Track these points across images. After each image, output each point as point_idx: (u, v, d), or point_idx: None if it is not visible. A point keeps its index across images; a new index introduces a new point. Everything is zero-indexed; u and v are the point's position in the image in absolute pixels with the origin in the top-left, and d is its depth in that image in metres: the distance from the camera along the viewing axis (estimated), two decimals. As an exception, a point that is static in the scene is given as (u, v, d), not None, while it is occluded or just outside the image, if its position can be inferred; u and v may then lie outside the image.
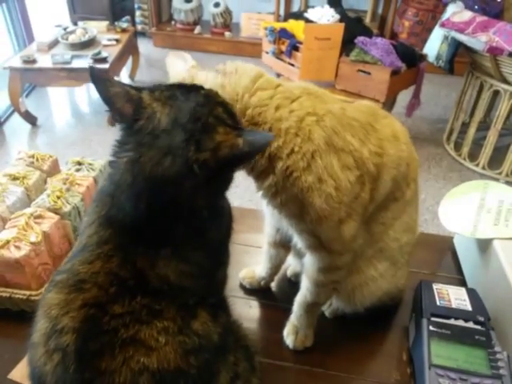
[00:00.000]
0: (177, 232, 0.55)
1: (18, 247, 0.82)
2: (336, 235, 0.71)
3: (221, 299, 0.63)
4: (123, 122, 0.56)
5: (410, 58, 2.70)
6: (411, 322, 0.89)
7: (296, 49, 2.74)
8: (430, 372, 0.73)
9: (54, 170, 1.10)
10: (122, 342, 0.48)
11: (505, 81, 2.58)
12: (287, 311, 0.88)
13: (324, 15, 2.82)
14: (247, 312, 0.95)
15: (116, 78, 3.15)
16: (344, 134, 0.68)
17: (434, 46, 2.90)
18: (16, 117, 3.20)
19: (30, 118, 3.20)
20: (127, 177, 0.53)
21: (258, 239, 1.05)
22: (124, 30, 3.59)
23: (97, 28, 3.44)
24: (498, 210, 0.98)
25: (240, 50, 4.44)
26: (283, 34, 2.82)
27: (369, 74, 2.62)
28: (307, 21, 2.85)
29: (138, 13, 4.65)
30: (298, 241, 0.78)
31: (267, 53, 2.98)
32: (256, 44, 3.94)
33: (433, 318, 0.81)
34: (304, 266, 0.80)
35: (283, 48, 2.84)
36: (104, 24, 3.62)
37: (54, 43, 3.27)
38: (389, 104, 2.87)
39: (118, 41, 3.36)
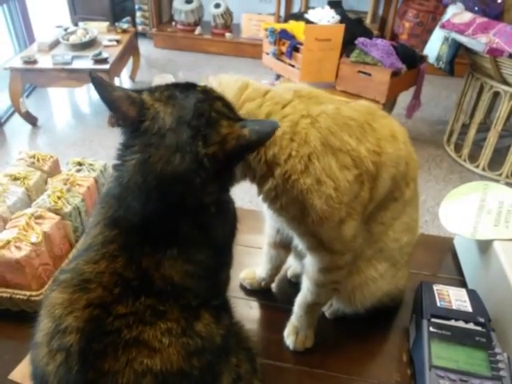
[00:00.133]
0: (184, 230, 0.55)
1: (18, 247, 0.82)
2: (337, 235, 0.72)
3: (223, 301, 0.63)
4: (127, 125, 0.56)
5: (411, 60, 2.70)
6: (411, 323, 0.89)
7: (296, 50, 2.74)
8: (430, 373, 0.73)
9: (55, 170, 1.11)
10: (126, 343, 0.48)
11: (505, 82, 2.58)
12: (287, 312, 0.88)
13: (324, 16, 2.83)
14: (248, 313, 0.95)
15: (116, 79, 3.16)
16: (341, 134, 0.68)
17: (434, 48, 2.90)
18: (16, 117, 3.21)
19: (31, 119, 3.20)
20: (137, 178, 0.53)
21: (258, 240, 1.05)
22: (125, 31, 3.59)
23: (97, 29, 3.44)
24: (498, 211, 0.98)
25: (240, 50, 4.45)
26: (284, 35, 2.83)
27: (369, 75, 2.62)
28: (308, 22, 2.86)
29: (138, 14, 4.66)
30: (298, 242, 0.78)
31: (268, 54, 2.99)
32: (256, 45, 3.95)
33: (433, 319, 0.81)
34: (305, 266, 0.80)
35: (284, 49, 2.84)
36: (104, 25, 3.62)
37: (55, 44, 3.27)
38: (389, 105, 2.87)
39: (118, 41, 3.37)
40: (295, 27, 2.85)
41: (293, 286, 0.97)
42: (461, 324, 0.80)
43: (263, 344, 0.86)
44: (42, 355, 0.50)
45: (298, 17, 3.06)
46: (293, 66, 2.81)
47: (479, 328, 0.80)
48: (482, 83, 2.76)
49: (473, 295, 0.87)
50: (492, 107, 3.03)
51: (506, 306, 0.82)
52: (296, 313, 0.86)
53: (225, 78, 0.72)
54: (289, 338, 0.87)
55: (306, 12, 3.05)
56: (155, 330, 0.49)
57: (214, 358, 0.53)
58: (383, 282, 0.84)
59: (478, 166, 2.86)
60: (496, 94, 2.76)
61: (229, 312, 0.62)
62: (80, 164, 1.08)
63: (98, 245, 0.54)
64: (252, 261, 1.04)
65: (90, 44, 3.28)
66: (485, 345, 0.77)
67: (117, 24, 3.66)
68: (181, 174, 0.53)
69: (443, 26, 2.64)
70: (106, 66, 3.00)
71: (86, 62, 3.04)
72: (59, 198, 0.94)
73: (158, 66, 4.26)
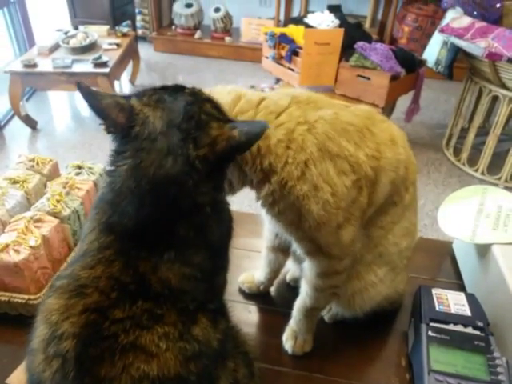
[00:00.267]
0: (180, 232, 0.55)
1: (17, 251, 0.82)
2: (335, 240, 0.71)
3: (220, 305, 0.63)
4: (118, 131, 0.57)
5: (410, 64, 2.71)
6: (410, 327, 0.89)
7: (296, 54, 2.75)
8: (429, 377, 0.73)
9: (54, 173, 1.11)
10: (122, 348, 0.47)
11: (504, 86, 2.59)
12: (286, 316, 0.88)
13: (324, 20, 2.84)
14: (246, 317, 0.95)
15: (116, 82, 3.17)
16: (338, 140, 0.68)
17: (433, 52, 2.91)
18: (16, 121, 3.21)
19: (30, 122, 3.20)
20: (130, 183, 0.53)
21: (257, 244, 1.05)
22: (125, 35, 3.60)
23: (97, 32, 3.45)
24: (496, 215, 0.98)
25: (240, 54, 4.46)
26: (283, 39, 2.84)
27: (368, 79, 2.63)
28: (307, 26, 2.87)
29: (138, 17, 4.68)
30: (297, 247, 0.78)
31: (267, 58, 2.99)
32: (256, 49, 3.96)
33: (432, 324, 0.81)
34: (303, 271, 0.80)
35: (283, 53, 2.85)
36: (105, 28, 3.63)
37: (55, 47, 3.28)
38: (388, 109, 2.88)
39: (118, 45, 3.37)
40: (295, 31, 2.86)
41: (291, 289, 0.97)
42: (459, 328, 0.80)
43: (262, 348, 0.86)
44: (38, 362, 0.49)
45: (298, 21, 3.07)
46: (292, 69, 2.81)
47: (478, 332, 0.80)
48: (481, 87, 2.77)
49: (471, 299, 0.87)
50: (491, 111, 3.04)
51: (504, 310, 0.82)
52: (295, 317, 0.86)
53: (218, 90, 0.71)
54: (287, 342, 0.87)
55: (305, 16, 3.06)
56: (152, 335, 0.49)
57: (211, 362, 0.53)
58: (383, 287, 0.84)
59: (477, 170, 2.86)
60: (495, 98, 2.77)
61: (226, 316, 0.62)
62: (79, 167, 1.08)
63: (94, 250, 0.54)
64: (251, 264, 1.04)
65: (90, 47, 3.28)
66: (483, 349, 0.77)
67: (117, 28, 3.67)
68: (173, 176, 0.53)
69: (442, 31, 2.65)
70: (106, 70, 3.00)
71: (86, 66, 3.05)
72: (58, 201, 0.94)
73: (158, 70, 4.27)
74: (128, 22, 4.00)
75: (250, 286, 0.99)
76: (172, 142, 0.54)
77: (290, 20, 3.45)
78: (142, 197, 0.53)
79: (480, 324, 0.81)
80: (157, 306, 0.51)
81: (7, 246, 0.82)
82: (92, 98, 0.56)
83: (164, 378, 0.47)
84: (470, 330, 0.80)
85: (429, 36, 3.12)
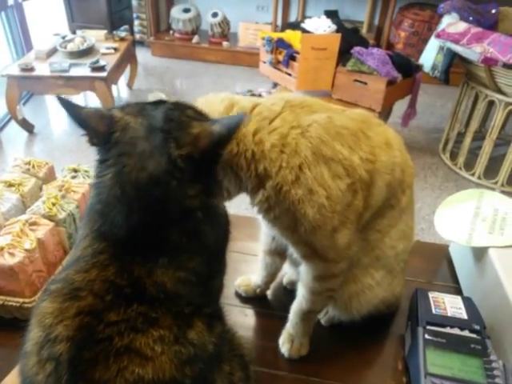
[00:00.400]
0: (173, 238, 0.54)
1: (12, 254, 0.81)
2: (331, 243, 0.71)
3: (216, 308, 0.63)
4: (100, 140, 0.56)
5: (406, 68, 2.73)
6: (407, 330, 0.89)
7: (293, 58, 2.76)
8: (425, 381, 0.73)
9: (50, 177, 1.10)
10: (117, 351, 0.47)
11: (499, 91, 2.61)
12: (283, 319, 0.88)
13: (321, 26, 2.85)
14: (243, 320, 0.94)
15: (114, 87, 3.17)
16: (332, 143, 0.68)
17: (429, 57, 2.93)
18: (13, 124, 3.21)
19: (27, 126, 3.20)
20: (115, 190, 0.53)
21: (255, 247, 1.04)
22: (122, 39, 3.61)
23: (95, 37, 3.46)
24: (493, 218, 0.98)
25: (237, 59, 4.48)
26: (280, 44, 2.85)
27: (365, 83, 2.64)
28: (304, 31, 2.88)
29: (136, 22, 4.69)
30: (293, 250, 0.78)
31: (264, 62, 3.01)
32: (253, 54, 3.98)
33: (428, 327, 0.81)
34: (300, 274, 0.80)
35: (280, 58, 2.86)
36: (102, 33, 3.64)
37: (53, 51, 3.28)
38: (385, 114, 2.89)
39: (116, 50, 3.38)
40: (292, 36, 2.87)
41: (288, 293, 0.97)
42: (456, 331, 0.80)
43: (258, 352, 0.86)
44: (31, 365, 0.49)
45: (295, 26, 3.09)
46: (289, 74, 2.83)
47: (474, 335, 0.80)
48: (477, 92, 2.78)
49: (468, 302, 0.87)
50: (487, 116, 3.05)
51: (501, 314, 0.82)
52: (291, 320, 0.86)
53: (211, 98, 0.72)
54: (284, 345, 0.86)
55: (302, 21, 3.07)
56: (147, 338, 0.48)
57: (207, 366, 0.52)
58: (380, 290, 0.84)
59: (473, 175, 2.88)
60: (491, 103, 2.78)
61: (221, 319, 0.62)
62: (75, 171, 1.08)
63: (88, 256, 0.54)
64: (248, 268, 1.04)
65: (88, 52, 3.29)
66: (480, 352, 0.77)
67: (115, 32, 3.69)
68: (156, 177, 0.52)
69: (438, 36, 2.67)
70: (104, 74, 3.01)
71: (83, 70, 3.05)
72: (54, 204, 0.93)
73: (156, 74, 4.27)
74: (126, 26, 4.02)
75: (246, 289, 0.99)
76: (153, 143, 0.53)
77: (288, 25, 3.48)
78: (130, 204, 0.53)
79: (476, 327, 0.81)
80: (152, 310, 0.51)
81: (2, 249, 0.81)
82: (72, 109, 0.56)
83: (159, 382, 0.47)
84: (466, 333, 0.80)
85: (425, 41, 3.14)
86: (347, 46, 2.69)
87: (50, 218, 0.92)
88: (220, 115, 0.67)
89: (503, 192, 2.56)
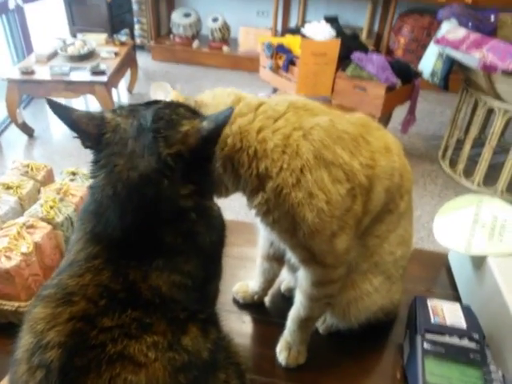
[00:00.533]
0: (167, 239, 0.54)
1: (8, 257, 0.80)
2: (329, 248, 0.71)
3: (212, 314, 0.62)
4: (91, 141, 0.57)
5: (406, 75, 2.74)
6: (405, 339, 0.88)
7: (293, 63, 2.77)
8: (424, 390, 0.72)
9: (49, 179, 1.10)
10: (110, 358, 0.46)
11: (499, 98, 2.61)
12: (281, 327, 0.87)
13: (321, 31, 2.86)
14: (240, 327, 0.93)
15: (114, 90, 3.17)
16: (334, 147, 0.68)
17: (428, 63, 2.94)
18: (13, 128, 3.20)
19: (27, 130, 3.20)
20: (108, 190, 0.53)
21: (253, 253, 1.04)
22: (123, 43, 3.62)
23: (96, 40, 3.47)
24: (492, 225, 0.98)
25: (238, 64, 4.49)
26: (280, 49, 2.86)
27: (364, 89, 2.65)
28: (304, 36, 2.89)
29: (137, 26, 4.71)
30: (291, 255, 0.77)
31: (264, 67, 3.01)
32: (253, 59, 3.99)
33: (427, 335, 0.80)
34: (298, 280, 0.80)
35: (280, 63, 2.87)
36: (103, 37, 3.65)
37: (53, 55, 3.28)
38: (384, 120, 2.89)
39: (116, 54, 3.39)
40: (292, 41, 2.88)
41: (286, 300, 0.96)
42: (455, 340, 0.79)
43: (255, 360, 0.85)
44: (21, 373, 0.48)
45: (295, 31, 3.10)
46: (289, 79, 2.83)
47: (474, 344, 0.79)
48: (477, 99, 2.79)
49: (467, 311, 0.86)
50: (487, 123, 3.06)
51: (500, 322, 0.81)
52: (289, 327, 0.85)
53: (219, 92, 0.73)
54: (281, 353, 0.85)
55: (302, 26, 3.08)
56: (141, 344, 0.48)
57: (202, 373, 0.51)
58: (378, 296, 0.83)
59: (473, 182, 2.87)
60: (491, 110, 2.78)
61: (217, 325, 0.61)
62: (74, 174, 1.08)
63: (82, 260, 0.54)
64: (247, 274, 1.03)
65: (88, 56, 3.30)
66: (479, 362, 0.76)
67: (115, 36, 3.69)
68: (147, 176, 0.53)
69: (437, 42, 2.68)
70: (104, 78, 3.01)
71: (83, 74, 3.05)
72: (52, 207, 0.93)
73: (156, 79, 4.28)
74: (126, 30, 4.02)
75: (244, 295, 0.98)
76: (143, 143, 0.54)
77: (288, 30, 3.48)
78: (122, 203, 0.53)
79: (476, 336, 0.80)
80: (146, 315, 0.50)
81: (-2, 252, 0.81)
82: (62, 112, 0.56)
83: None
84: (465, 342, 0.79)
85: (424, 47, 3.15)
86: (347, 52, 2.70)
87: (48, 220, 0.91)
88: (226, 107, 0.67)
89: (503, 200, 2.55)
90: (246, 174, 0.68)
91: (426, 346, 0.78)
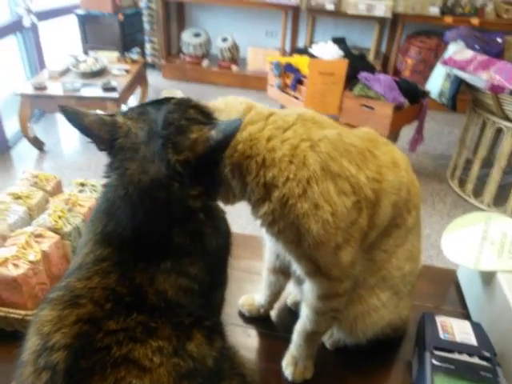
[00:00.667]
0: (176, 239, 0.55)
1: (16, 265, 0.81)
2: (334, 261, 0.71)
3: (217, 323, 0.61)
4: (105, 146, 0.58)
5: (413, 94, 2.75)
6: (414, 355, 0.86)
7: (301, 83, 2.80)
8: (433, 408, 0.70)
9: (58, 190, 1.11)
10: (114, 362, 0.46)
11: (507, 118, 2.61)
12: (287, 341, 0.86)
13: (328, 51, 2.90)
14: (245, 341, 0.92)
15: (123, 106, 3.22)
16: (340, 160, 0.68)
17: (436, 84, 2.96)
18: (24, 142, 3.26)
19: (38, 144, 3.25)
20: (119, 191, 0.55)
21: (260, 267, 1.03)
22: (134, 61, 3.70)
23: (108, 58, 3.54)
24: (501, 242, 0.97)
25: (246, 83, 4.55)
26: (288, 69, 2.90)
27: (372, 108, 2.66)
28: (311, 56, 2.93)
29: (148, 45, 4.81)
30: (296, 267, 0.77)
31: (272, 86, 3.05)
32: (262, 78, 4.04)
33: (436, 352, 0.79)
34: (304, 293, 0.79)
35: (288, 82, 2.91)
36: (115, 54, 3.73)
37: (66, 71, 3.36)
38: (392, 139, 2.90)
39: (128, 71, 3.45)
40: (300, 61, 2.92)
41: (292, 314, 0.95)
42: (465, 357, 0.78)
43: (261, 374, 0.83)
44: (27, 374, 0.48)
45: (303, 51, 3.15)
46: (297, 98, 2.86)
47: (484, 362, 0.77)
48: (485, 119, 2.79)
49: (477, 328, 0.84)
50: (495, 143, 3.05)
51: (511, 340, 0.80)
52: (295, 342, 0.84)
53: (231, 99, 0.74)
54: (287, 368, 0.84)
55: (310, 46, 3.13)
56: (146, 348, 0.47)
57: (206, 381, 0.51)
58: (385, 312, 0.82)
59: (482, 202, 2.85)
60: (499, 130, 2.78)
61: (222, 335, 0.60)
62: (82, 185, 1.09)
63: (90, 263, 0.54)
64: (254, 288, 1.02)
65: (100, 73, 3.37)
66: (490, 380, 0.74)
67: (127, 54, 3.77)
68: (157, 181, 0.54)
69: (445, 63, 2.70)
70: (115, 95, 3.07)
71: (95, 90, 3.11)
72: (60, 217, 0.94)
73: (165, 96, 4.34)
74: (137, 48, 4.10)
75: (250, 308, 0.97)
76: (153, 149, 0.55)
77: (296, 50, 3.54)
78: (134, 205, 0.54)
79: (487, 354, 0.78)
80: (151, 319, 0.50)
81: (6, 260, 0.81)
82: (75, 118, 0.57)
83: None
84: (475, 359, 0.77)
85: (432, 68, 3.18)
86: (354, 72, 2.73)
87: (56, 230, 0.92)
88: (238, 114, 0.70)
89: None
90: (253, 183, 0.69)
91: (434, 362, 0.77)
